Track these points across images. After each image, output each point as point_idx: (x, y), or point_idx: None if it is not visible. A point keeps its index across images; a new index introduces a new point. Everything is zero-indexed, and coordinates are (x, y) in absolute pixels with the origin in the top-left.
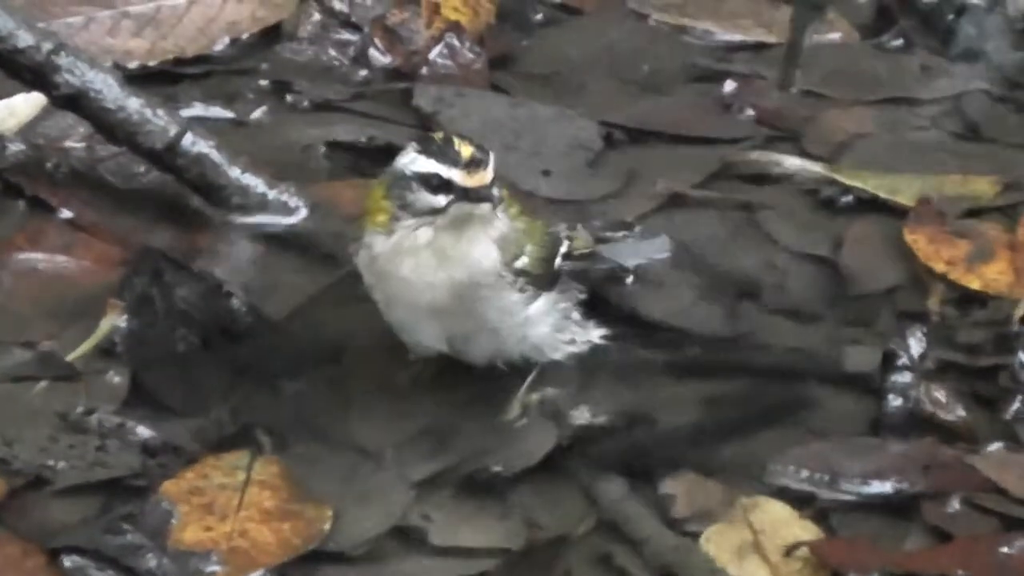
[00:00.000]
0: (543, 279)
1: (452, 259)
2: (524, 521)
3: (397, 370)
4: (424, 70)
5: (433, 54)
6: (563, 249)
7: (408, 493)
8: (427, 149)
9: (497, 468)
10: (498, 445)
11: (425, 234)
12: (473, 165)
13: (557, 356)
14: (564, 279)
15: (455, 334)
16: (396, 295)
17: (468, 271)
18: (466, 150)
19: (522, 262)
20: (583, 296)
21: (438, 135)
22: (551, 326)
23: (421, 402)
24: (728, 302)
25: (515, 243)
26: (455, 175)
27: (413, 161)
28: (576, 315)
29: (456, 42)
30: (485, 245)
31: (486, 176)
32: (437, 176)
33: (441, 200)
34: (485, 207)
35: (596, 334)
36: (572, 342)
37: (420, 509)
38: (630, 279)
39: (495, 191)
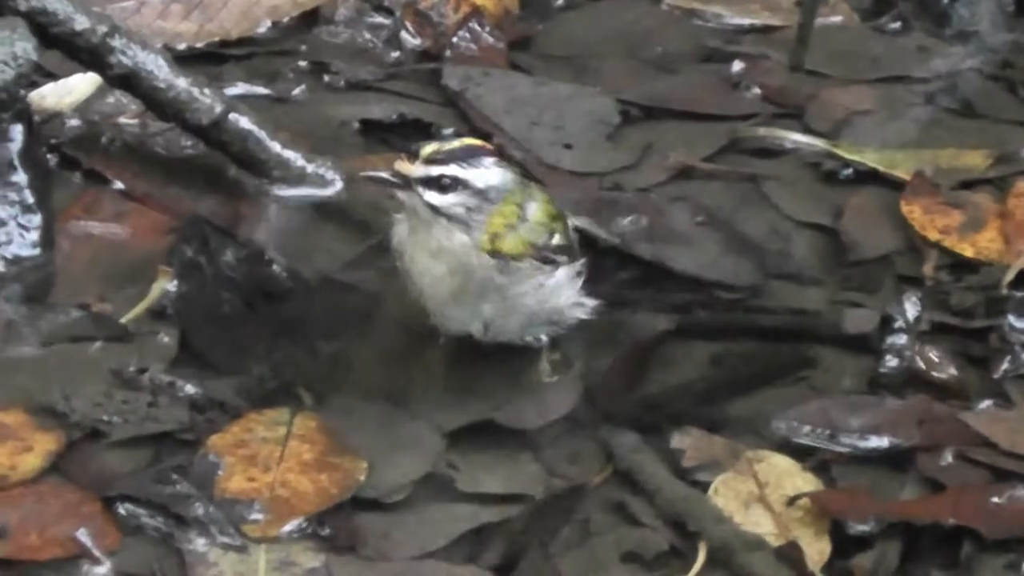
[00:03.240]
0: (569, 252)
1: (429, 252)
2: (545, 471)
3: (426, 330)
4: (448, 52)
5: (456, 38)
6: (571, 223)
7: (439, 443)
8: None
9: (523, 421)
10: (524, 400)
11: (404, 228)
12: (410, 154)
13: (573, 320)
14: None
15: (492, 319)
16: (410, 282)
17: (450, 262)
18: (433, 147)
19: (556, 240)
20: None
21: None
22: (573, 293)
23: (451, 359)
24: (753, 255)
25: (539, 229)
26: (398, 164)
27: None
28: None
29: (478, 26)
30: (452, 235)
31: (408, 167)
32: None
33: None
34: (397, 193)
35: (592, 301)
36: (582, 306)
37: (448, 458)
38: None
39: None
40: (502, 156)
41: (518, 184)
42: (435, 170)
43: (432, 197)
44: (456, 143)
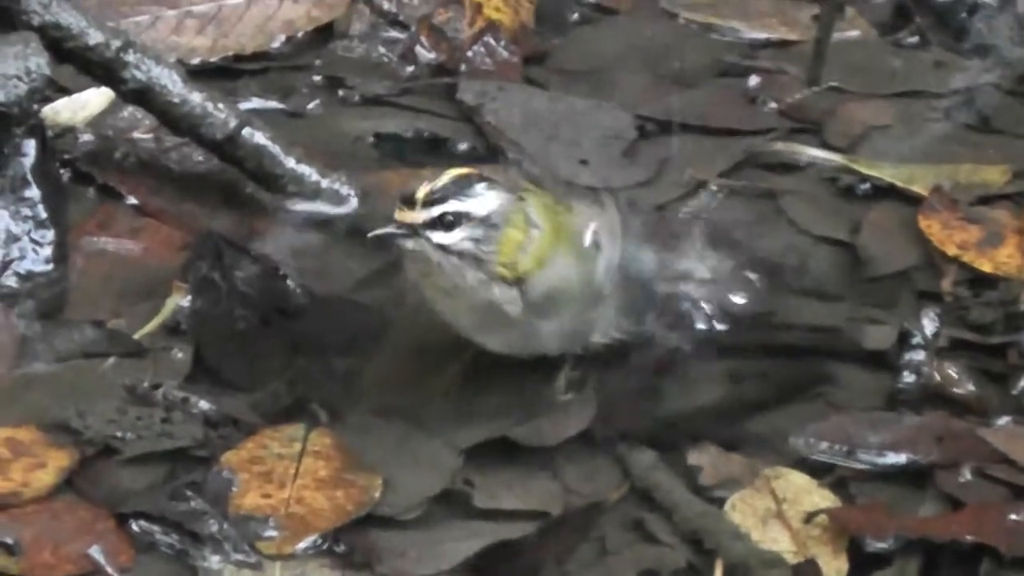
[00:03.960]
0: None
1: (448, 291)
2: (562, 488)
3: (440, 346)
4: (464, 67)
5: (471, 52)
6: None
7: (456, 460)
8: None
9: (543, 436)
10: (542, 416)
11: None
12: (407, 202)
13: (613, 337)
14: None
15: (523, 342)
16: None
17: (469, 299)
18: (427, 189)
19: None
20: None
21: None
22: (602, 314)
23: (467, 376)
24: (763, 279)
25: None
26: (396, 207)
27: None
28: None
29: (493, 41)
30: (469, 272)
31: (411, 215)
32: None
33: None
34: (406, 243)
35: (620, 332)
36: (604, 335)
37: (465, 475)
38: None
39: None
40: (493, 180)
41: (513, 201)
42: (436, 210)
43: (440, 237)
44: (445, 178)
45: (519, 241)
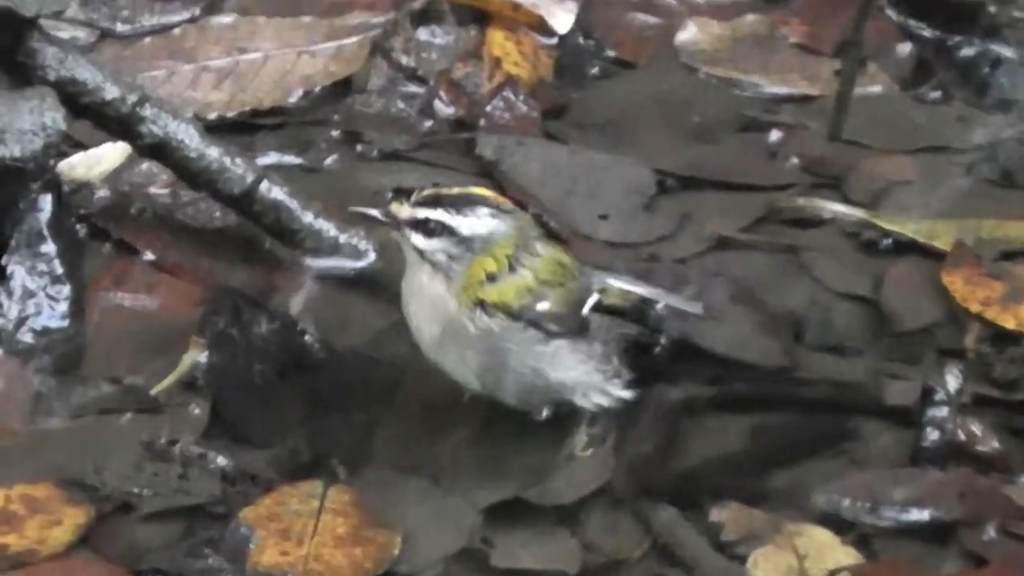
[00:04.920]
0: (565, 324)
1: (415, 294)
2: (581, 545)
3: (456, 403)
4: (482, 121)
5: (490, 107)
6: (592, 300)
7: (475, 518)
8: None
9: (559, 495)
10: (559, 473)
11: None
12: (401, 195)
13: (598, 404)
14: (596, 330)
15: (481, 371)
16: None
17: (429, 307)
18: (426, 192)
19: (542, 306)
20: (618, 347)
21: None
22: (584, 373)
23: (486, 432)
24: (784, 336)
25: (525, 288)
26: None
27: None
28: (610, 367)
29: (512, 95)
30: (433, 280)
31: (399, 208)
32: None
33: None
34: (404, 236)
35: (626, 392)
36: (605, 393)
37: (483, 534)
38: (659, 345)
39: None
40: (505, 210)
41: (514, 238)
42: (422, 213)
43: (418, 240)
44: (456, 190)
45: (490, 271)
